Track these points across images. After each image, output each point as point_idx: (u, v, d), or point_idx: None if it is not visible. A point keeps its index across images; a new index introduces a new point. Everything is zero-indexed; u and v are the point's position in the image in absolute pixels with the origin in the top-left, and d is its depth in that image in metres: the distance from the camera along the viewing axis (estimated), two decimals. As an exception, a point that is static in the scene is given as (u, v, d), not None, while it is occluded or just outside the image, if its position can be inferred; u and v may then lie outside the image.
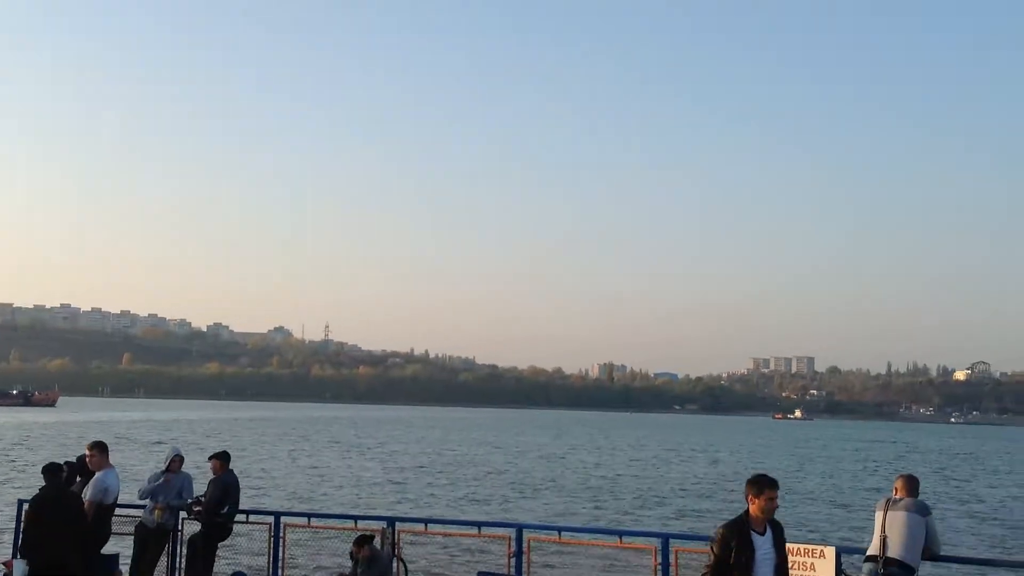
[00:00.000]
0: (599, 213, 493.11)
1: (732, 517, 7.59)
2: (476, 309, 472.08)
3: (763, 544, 7.37)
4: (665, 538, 10.96)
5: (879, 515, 9.90)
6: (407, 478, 41.89)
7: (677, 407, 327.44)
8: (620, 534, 11.67)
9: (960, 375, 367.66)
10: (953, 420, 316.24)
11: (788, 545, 10.31)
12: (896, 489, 10.13)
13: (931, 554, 9.84)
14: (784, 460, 68.97)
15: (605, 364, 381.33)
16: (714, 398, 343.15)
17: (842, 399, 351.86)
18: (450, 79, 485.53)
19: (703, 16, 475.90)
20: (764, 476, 7.57)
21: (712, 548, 7.47)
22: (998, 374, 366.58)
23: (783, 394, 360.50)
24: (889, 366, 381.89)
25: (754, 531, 7.35)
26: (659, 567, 10.65)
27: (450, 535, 12.67)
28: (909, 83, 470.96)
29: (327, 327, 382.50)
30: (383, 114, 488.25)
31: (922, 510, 9.78)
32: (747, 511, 7.44)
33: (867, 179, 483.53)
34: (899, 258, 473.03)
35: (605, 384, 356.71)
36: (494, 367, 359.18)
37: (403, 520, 12.45)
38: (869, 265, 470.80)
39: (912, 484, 10.10)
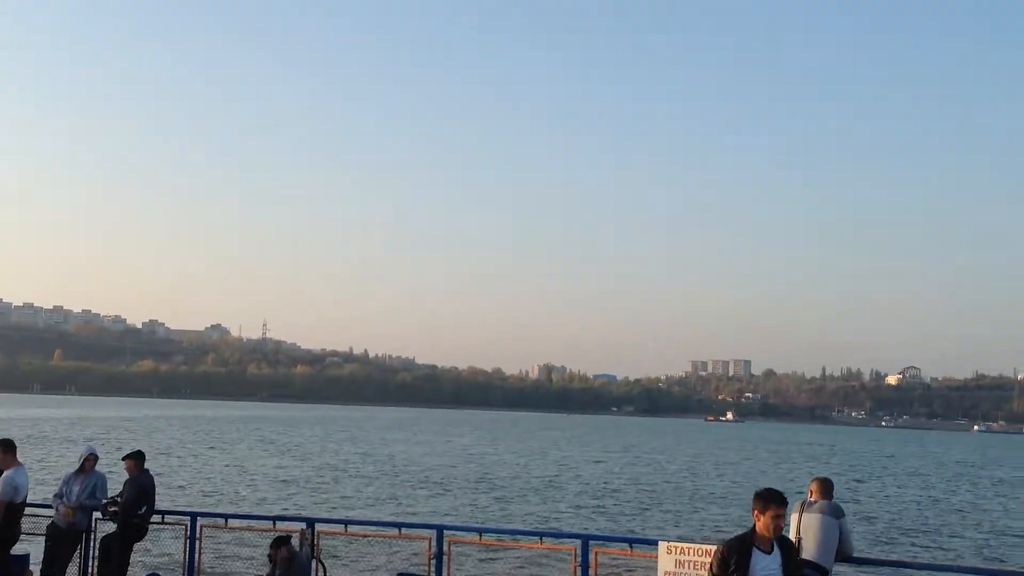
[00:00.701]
0: (542, 218, 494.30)
1: (737, 532, 7.33)
2: (418, 310, 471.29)
3: (769, 563, 6.97)
4: (585, 539, 10.97)
5: (794, 517, 10.00)
6: (329, 478, 41.58)
7: (614, 409, 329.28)
8: (540, 535, 11.65)
9: (892, 380, 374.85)
10: (884, 424, 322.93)
11: (703, 547, 10.49)
12: (811, 492, 10.26)
13: (844, 556, 9.98)
14: (701, 461, 69.95)
15: (544, 365, 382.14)
16: (651, 400, 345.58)
17: (776, 402, 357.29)
18: (386, 78, 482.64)
19: (664, 19, 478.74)
20: (770, 491, 7.12)
21: (711, 566, 7.17)
22: (928, 379, 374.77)
23: (719, 396, 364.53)
24: (824, 370, 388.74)
25: (759, 549, 6.97)
26: (579, 568, 10.65)
27: (370, 536, 12.54)
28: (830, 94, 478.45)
29: (265, 325, 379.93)
30: (323, 114, 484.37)
31: (836, 512, 9.91)
32: (753, 527, 7.05)
33: (803, 187, 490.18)
34: (837, 264, 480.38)
35: (544, 385, 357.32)
36: (433, 367, 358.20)
37: (322, 521, 12.30)
38: (808, 271, 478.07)
39: (826, 487, 10.24)
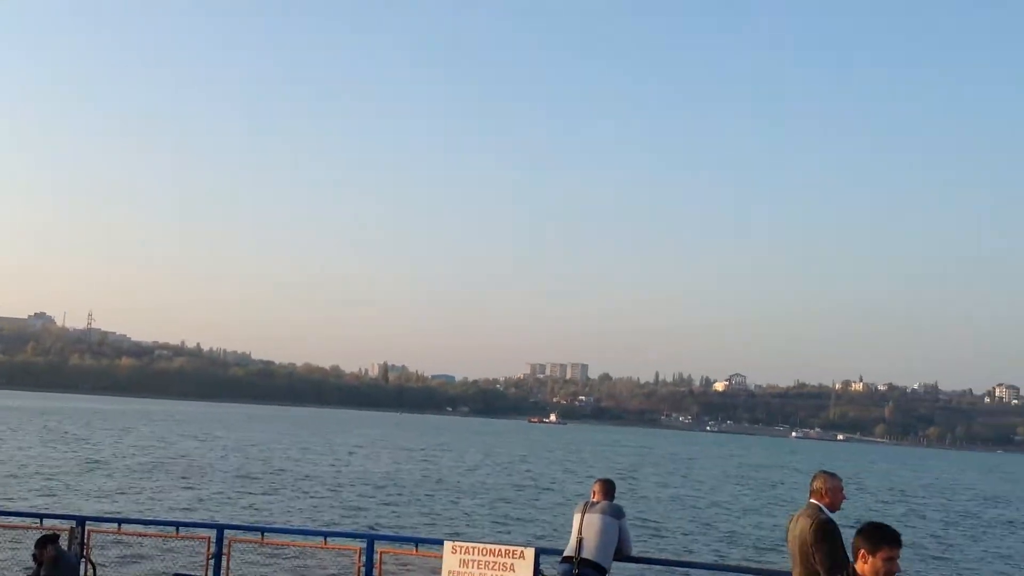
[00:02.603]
0: (386, 215, 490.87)
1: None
2: (258, 304, 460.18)
3: None
4: (370, 539, 10.93)
5: (577, 517, 10.17)
6: (107, 474, 39.93)
7: (449, 409, 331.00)
8: (325, 535, 11.46)
9: (719, 386, 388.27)
10: (708, 428, 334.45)
11: (487, 547, 10.50)
12: (593, 492, 10.44)
13: (623, 555, 10.21)
14: (496, 460, 71.00)
15: (383, 364, 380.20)
16: (486, 401, 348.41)
17: (609, 405, 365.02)
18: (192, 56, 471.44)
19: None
20: (882, 529, 5.54)
21: None
22: (753, 386, 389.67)
23: (554, 399, 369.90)
24: (657, 375, 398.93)
25: None
26: (363, 568, 10.58)
27: (145, 535, 12.03)
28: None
29: (90, 315, 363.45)
30: (145, 97, 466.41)
31: (616, 513, 10.14)
32: (852, 572, 5.54)
33: (639, 190, 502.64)
34: (674, 274, 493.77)
35: (380, 384, 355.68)
36: (269, 363, 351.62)
37: (94, 519, 11.74)
38: (646, 279, 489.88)
39: (608, 488, 10.48)
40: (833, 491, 7.92)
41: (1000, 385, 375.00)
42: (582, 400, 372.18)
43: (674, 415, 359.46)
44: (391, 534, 21.94)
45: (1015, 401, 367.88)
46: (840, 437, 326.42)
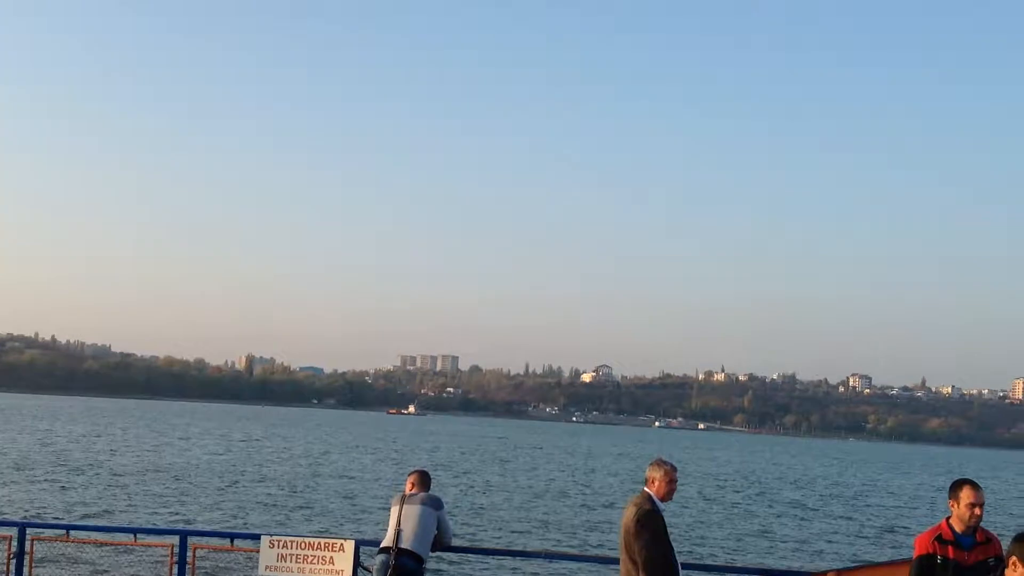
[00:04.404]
0: (257, 205, 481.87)
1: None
2: (114, 293, 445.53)
3: None
4: (183, 535, 10.62)
5: (395, 509, 10.15)
6: None
7: (315, 401, 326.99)
8: (135, 532, 11.11)
9: (587, 377, 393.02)
10: (575, 419, 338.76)
11: (305, 540, 10.33)
12: (410, 484, 10.40)
13: (443, 544, 10.27)
14: (329, 451, 70.65)
15: (247, 356, 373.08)
16: (354, 393, 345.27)
17: (477, 397, 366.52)
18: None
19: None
20: None
21: None
22: (620, 377, 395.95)
23: (422, 391, 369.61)
24: (527, 367, 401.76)
25: None
26: (176, 564, 10.30)
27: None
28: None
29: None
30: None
31: (435, 504, 10.20)
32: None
33: (513, 185, 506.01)
34: (542, 265, 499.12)
35: (244, 376, 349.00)
36: (129, 355, 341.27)
37: None
38: (517, 269, 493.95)
39: (424, 479, 10.52)
40: (663, 480, 7.90)
41: (854, 375, 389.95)
42: (450, 392, 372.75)
43: (541, 406, 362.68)
44: (205, 529, 21.47)
45: (867, 390, 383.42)
46: (701, 426, 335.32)
